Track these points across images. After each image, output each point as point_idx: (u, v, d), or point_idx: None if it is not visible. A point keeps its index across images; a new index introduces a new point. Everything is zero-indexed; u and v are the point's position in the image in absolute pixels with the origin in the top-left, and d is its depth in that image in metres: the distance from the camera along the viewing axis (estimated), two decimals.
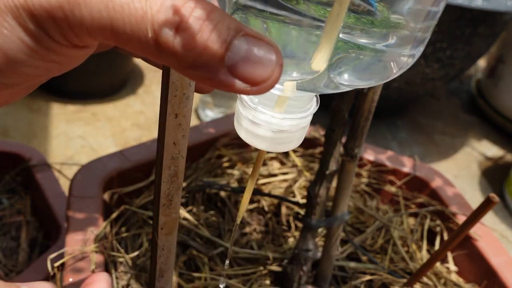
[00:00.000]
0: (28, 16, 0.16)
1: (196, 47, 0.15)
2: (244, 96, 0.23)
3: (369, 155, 0.56)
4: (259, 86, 0.16)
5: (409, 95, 0.87)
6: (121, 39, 0.16)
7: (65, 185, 0.55)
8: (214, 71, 0.16)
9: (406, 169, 0.55)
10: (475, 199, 0.78)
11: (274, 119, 0.22)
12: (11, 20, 0.16)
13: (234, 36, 0.15)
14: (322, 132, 0.57)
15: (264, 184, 0.54)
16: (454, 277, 0.47)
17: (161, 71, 0.23)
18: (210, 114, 0.83)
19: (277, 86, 0.20)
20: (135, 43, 0.16)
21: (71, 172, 0.58)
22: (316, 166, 0.55)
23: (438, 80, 0.82)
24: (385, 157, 0.56)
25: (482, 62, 1.10)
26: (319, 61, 0.19)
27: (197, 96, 0.88)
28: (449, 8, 0.68)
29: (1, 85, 0.17)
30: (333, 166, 0.38)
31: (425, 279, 0.45)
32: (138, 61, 0.97)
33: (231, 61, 0.15)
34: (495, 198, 0.34)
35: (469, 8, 0.68)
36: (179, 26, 0.15)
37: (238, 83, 0.16)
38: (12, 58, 0.16)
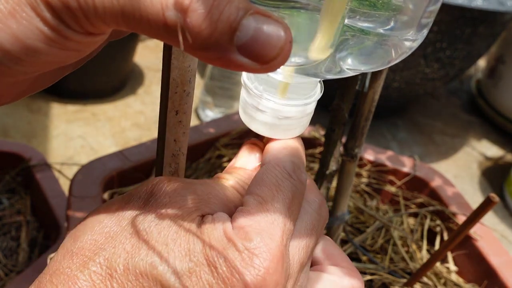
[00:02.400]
0: (45, 6, 0.16)
1: (205, 28, 0.15)
2: (249, 84, 0.23)
3: (369, 155, 0.56)
4: (269, 64, 0.16)
5: (409, 95, 0.87)
6: (132, 24, 0.16)
7: (65, 185, 0.55)
8: (224, 51, 0.16)
9: (406, 169, 0.55)
10: (475, 199, 0.78)
11: (279, 106, 0.22)
12: (29, 11, 0.16)
13: (243, 15, 0.16)
14: (322, 132, 0.57)
15: None
16: (454, 277, 0.47)
17: (161, 70, 0.23)
18: (210, 114, 0.83)
19: (279, 71, 0.20)
20: (145, 27, 0.16)
21: (71, 172, 0.58)
22: (316, 166, 0.55)
23: (438, 80, 0.82)
24: (385, 157, 0.56)
25: (482, 62, 1.10)
26: (318, 50, 0.19)
27: (197, 96, 0.88)
28: (449, 8, 0.68)
29: (20, 73, 0.18)
30: (333, 166, 0.38)
31: (425, 279, 0.45)
32: (138, 61, 0.97)
33: (240, 40, 0.16)
34: (495, 198, 0.34)
35: (469, 8, 0.68)
36: (188, 8, 0.15)
37: (249, 62, 0.16)
38: (31, 47, 0.17)
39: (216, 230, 0.20)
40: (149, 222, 0.20)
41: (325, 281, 0.23)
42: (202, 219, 0.21)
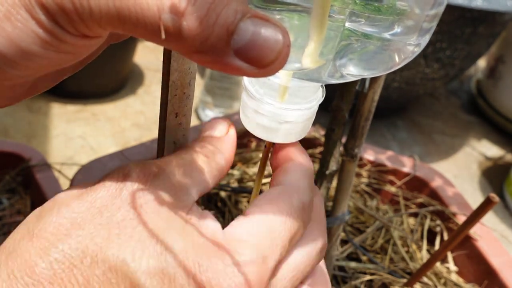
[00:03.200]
0: (40, 8, 0.16)
1: (202, 31, 0.15)
2: (249, 87, 0.23)
3: (369, 155, 0.56)
4: (266, 68, 0.16)
5: (409, 95, 0.87)
6: (128, 27, 0.16)
7: (65, 185, 0.55)
8: (221, 54, 0.15)
9: (406, 169, 0.55)
10: (475, 199, 0.78)
11: (280, 110, 0.22)
12: (24, 13, 0.16)
13: (241, 19, 0.15)
14: (322, 132, 0.57)
15: (264, 184, 0.54)
16: (454, 277, 0.47)
17: (161, 71, 0.23)
18: (210, 114, 0.83)
19: (278, 74, 0.20)
20: (142, 31, 0.16)
21: (71, 172, 0.58)
22: (316, 166, 0.55)
23: (438, 80, 0.82)
24: (385, 157, 0.56)
25: (482, 62, 1.10)
26: (309, 57, 0.19)
27: (197, 97, 0.88)
28: (449, 8, 0.68)
29: (17, 77, 0.18)
30: (333, 166, 0.38)
31: (425, 279, 0.45)
32: (138, 61, 0.97)
33: (237, 44, 0.15)
34: (495, 198, 0.34)
35: (469, 8, 0.68)
36: (185, 11, 0.15)
37: (246, 66, 0.16)
38: (26, 50, 0.17)
39: (202, 228, 0.19)
40: (123, 215, 0.18)
41: None
42: (186, 213, 0.19)
